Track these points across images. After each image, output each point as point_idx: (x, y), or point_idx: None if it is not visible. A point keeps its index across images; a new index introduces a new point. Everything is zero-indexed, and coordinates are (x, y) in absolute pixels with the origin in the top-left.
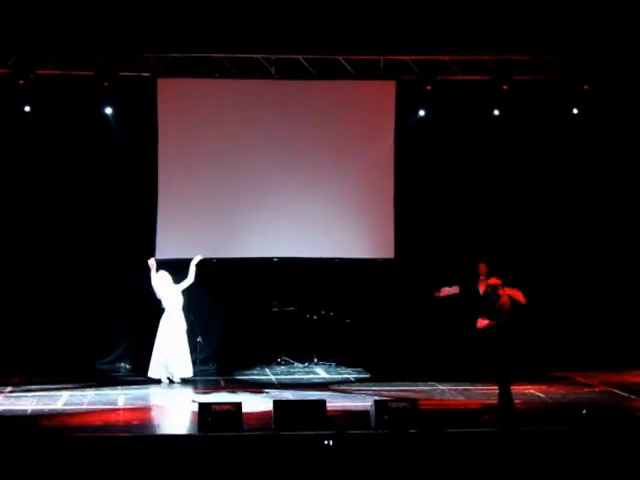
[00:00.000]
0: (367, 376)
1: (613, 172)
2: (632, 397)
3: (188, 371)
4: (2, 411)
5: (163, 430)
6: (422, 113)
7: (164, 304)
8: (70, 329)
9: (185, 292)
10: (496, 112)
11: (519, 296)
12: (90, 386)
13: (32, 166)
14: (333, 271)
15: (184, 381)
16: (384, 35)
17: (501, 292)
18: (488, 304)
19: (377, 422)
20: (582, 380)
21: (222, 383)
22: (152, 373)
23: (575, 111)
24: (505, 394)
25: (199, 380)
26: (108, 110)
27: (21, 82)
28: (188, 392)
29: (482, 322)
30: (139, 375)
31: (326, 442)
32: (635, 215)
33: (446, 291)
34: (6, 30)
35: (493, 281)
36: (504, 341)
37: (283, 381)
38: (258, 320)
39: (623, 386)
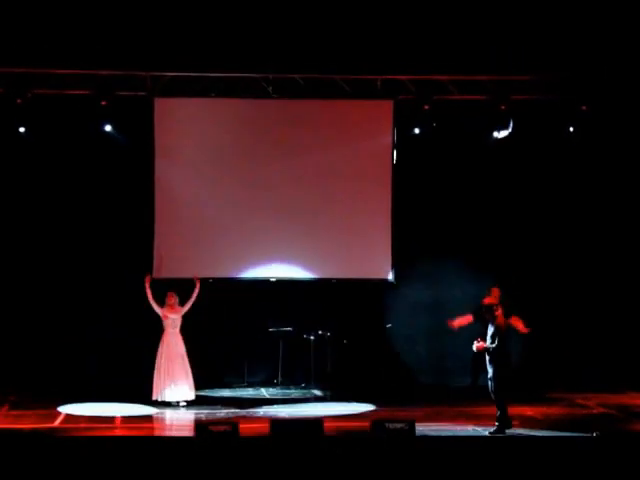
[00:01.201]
0: (364, 399)
1: (611, 191)
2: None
3: (191, 394)
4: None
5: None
6: (419, 132)
7: (165, 324)
8: (67, 347)
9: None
10: (494, 132)
11: (519, 325)
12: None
13: (29, 185)
14: (330, 292)
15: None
16: (381, 55)
17: (497, 312)
18: (484, 324)
19: (375, 442)
20: (581, 402)
21: (221, 410)
22: (157, 396)
23: (572, 130)
24: (503, 415)
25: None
26: (106, 129)
27: (18, 101)
28: (186, 412)
29: (479, 345)
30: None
31: None
32: (634, 234)
33: (459, 321)
34: (3, 49)
35: (489, 300)
36: (498, 362)
37: (279, 402)
38: (255, 340)
39: (622, 408)
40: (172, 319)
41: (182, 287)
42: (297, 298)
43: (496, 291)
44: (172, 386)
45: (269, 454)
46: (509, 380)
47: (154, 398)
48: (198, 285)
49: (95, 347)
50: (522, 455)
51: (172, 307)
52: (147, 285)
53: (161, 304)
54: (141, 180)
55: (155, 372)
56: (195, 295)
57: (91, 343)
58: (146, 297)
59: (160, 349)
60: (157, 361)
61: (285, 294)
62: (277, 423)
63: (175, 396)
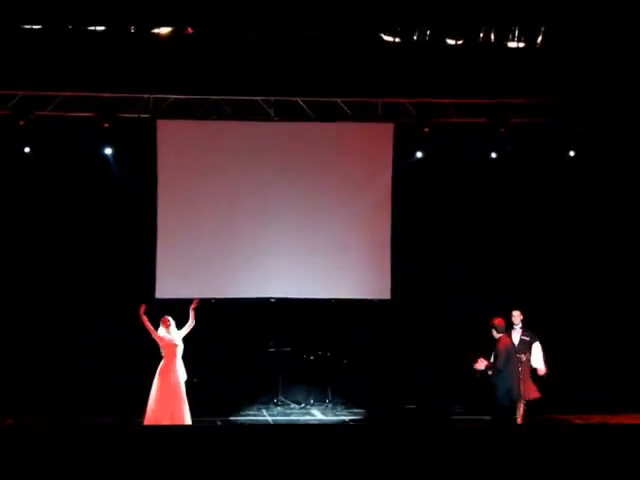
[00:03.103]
0: (363, 417)
1: (609, 214)
2: None
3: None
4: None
5: None
6: (420, 155)
7: (163, 352)
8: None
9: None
10: (493, 155)
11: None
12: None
13: (31, 206)
14: (330, 312)
15: None
16: (382, 78)
17: (495, 334)
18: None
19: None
20: (580, 422)
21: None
22: None
23: (572, 153)
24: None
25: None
26: (108, 151)
27: (21, 123)
28: None
29: (480, 364)
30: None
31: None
32: (632, 257)
33: (482, 364)
34: (7, 72)
35: (497, 322)
36: (498, 383)
37: (280, 422)
38: (255, 360)
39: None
40: (169, 344)
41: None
42: (297, 318)
43: (518, 315)
44: (171, 417)
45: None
46: (510, 403)
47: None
48: (193, 317)
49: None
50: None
51: (168, 331)
52: (142, 314)
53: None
54: (144, 200)
55: (152, 402)
56: (193, 318)
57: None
58: (144, 326)
59: (158, 378)
60: (155, 392)
61: (285, 314)
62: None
63: None
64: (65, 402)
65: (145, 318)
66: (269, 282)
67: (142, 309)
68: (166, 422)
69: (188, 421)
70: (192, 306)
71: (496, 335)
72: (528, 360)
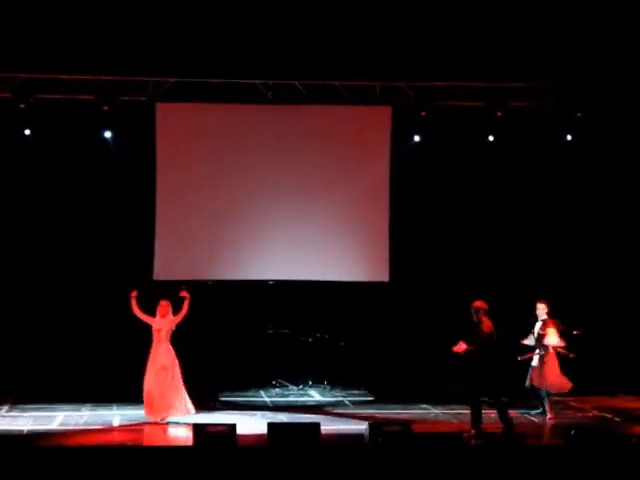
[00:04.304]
0: (361, 399)
1: (606, 197)
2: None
3: (191, 408)
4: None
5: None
6: (417, 138)
7: (157, 339)
8: (67, 342)
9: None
10: (490, 138)
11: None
12: (86, 405)
13: (32, 188)
14: (328, 294)
15: None
16: (381, 61)
17: (482, 317)
18: (469, 327)
19: (371, 445)
20: (576, 405)
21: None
22: (151, 415)
23: (569, 138)
24: (476, 415)
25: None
26: (107, 134)
27: (22, 106)
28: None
29: (460, 347)
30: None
31: None
32: (628, 240)
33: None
34: (7, 54)
35: (478, 304)
36: (479, 366)
37: (277, 403)
38: (253, 342)
39: (616, 411)
40: (159, 329)
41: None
42: (295, 300)
43: (545, 306)
44: (171, 402)
45: (267, 457)
46: (480, 388)
47: (146, 415)
48: (187, 303)
49: (95, 342)
50: (518, 457)
51: (164, 317)
52: (133, 301)
53: (152, 314)
54: (143, 183)
55: (150, 387)
56: (185, 311)
57: (91, 338)
58: (134, 311)
59: (153, 360)
60: (150, 376)
61: (283, 296)
62: (274, 426)
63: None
64: (64, 393)
65: (135, 303)
66: (267, 264)
67: (133, 294)
68: (157, 403)
69: (180, 403)
70: (182, 294)
71: (478, 317)
72: (548, 353)
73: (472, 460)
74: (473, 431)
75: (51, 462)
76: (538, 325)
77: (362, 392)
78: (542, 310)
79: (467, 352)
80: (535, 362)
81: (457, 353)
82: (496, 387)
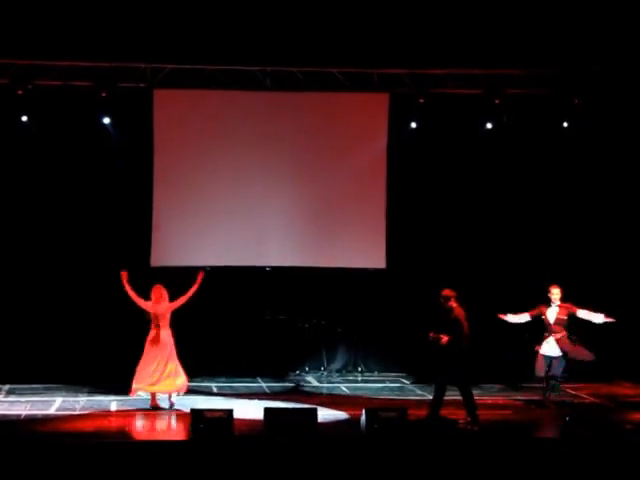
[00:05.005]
0: (358, 385)
1: (603, 184)
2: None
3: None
4: None
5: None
6: (414, 125)
7: (154, 324)
8: (64, 334)
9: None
10: (488, 125)
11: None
12: (83, 391)
13: (29, 175)
14: (325, 280)
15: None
16: (378, 48)
17: (452, 304)
18: (442, 316)
19: (368, 431)
20: (572, 392)
21: (214, 389)
22: (139, 385)
23: (565, 124)
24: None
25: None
26: (105, 120)
27: (19, 92)
28: (179, 399)
29: (443, 339)
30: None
31: None
32: (624, 226)
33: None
34: (6, 41)
35: (447, 292)
36: (460, 353)
37: (274, 389)
38: (250, 328)
39: (612, 397)
40: (155, 315)
41: (176, 278)
42: (292, 286)
43: (558, 291)
44: (167, 381)
45: (263, 442)
46: (456, 377)
47: (137, 393)
48: (200, 281)
49: (93, 327)
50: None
51: (158, 301)
52: (125, 281)
53: (147, 298)
54: (140, 170)
55: (145, 367)
56: (193, 291)
57: (89, 323)
58: (128, 295)
59: (150, 347)
60: (147, 358)
61: (281, 282)
62: (271, 411)
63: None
64: (62, 379)
65: (127, 284)
66: (265, 251)
67: (124, 277)
68: (148, 378)
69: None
70: (198, 280)
71: (450, 305)
72: (565, 337)
73: (467, 446)
74: (470, 418)
75: (48, 447)
76: (554, 310)
77: (360, 378)
78: (557, 295)
79: (448, 341)
80: (549, 350)
81: (435, 343)
82: (467, 375)
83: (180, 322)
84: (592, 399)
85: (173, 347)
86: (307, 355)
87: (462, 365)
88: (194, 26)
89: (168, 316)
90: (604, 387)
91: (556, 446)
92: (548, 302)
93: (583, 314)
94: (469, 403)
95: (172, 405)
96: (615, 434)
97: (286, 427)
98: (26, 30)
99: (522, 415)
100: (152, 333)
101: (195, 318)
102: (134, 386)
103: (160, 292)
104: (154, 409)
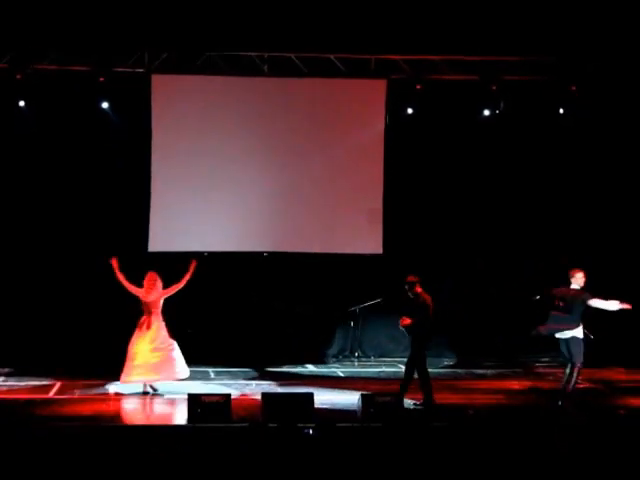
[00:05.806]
0: (354, 370)
1: (599, 171)
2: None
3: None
4: None
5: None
6: (411, 111)
7: (145, 310)
8: (63, 321)
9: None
10: (485, 112)
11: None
12: (81, 376)
13: (27, 160)
14: (323, 266)
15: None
16: (375, 34)
17: (418, 289)
18: (409, 302)
19: (364, 415)
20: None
21: (212, 375)
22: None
23: (561, 111)
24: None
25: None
26: (104, 105)
27: (18, 76)
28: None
29: (404, 321)
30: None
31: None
32: (616, 215)
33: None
34: (3, 25)
35: (411, 279)
36: (427, 336)
37: (272, 374)
38: (247, 314)
39: (606, 383)
40: (147, 302)
41: (172, 264)
42: (290, 272)
43: (581, 275)
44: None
45: (261, 427)
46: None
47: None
48: (192, 269)
49: (90, 313)
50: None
51: (150, 288)
52: (116, 268)
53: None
54: (138, 154)
55: (136, 355)
56: (186, 279)
57: (88, 314)
58: (119, 282)
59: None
60: (137, 346)
61: (278, 268)
62: (268, 396)
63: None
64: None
65: (120, 273)
66: (262, 236)
67: (115, 263)
68: (140, 372)
69: (170, 373)
70: (191, 268)
71: (416, 291)
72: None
73: (466, 430)
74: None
75: (47, 431)
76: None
77: (356, 363)
78: (581, 279)
79: (413, 324)
80: (574, 334)
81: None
82: (424, 357)
83: (177, 308)
84: (586, 384)
85: (167, 336)
86: (304, 341)
87: (421, 347)
88: (192, 12)
89: (160, 303)
90: (598, 372)
91: (550, 431)
92: (568, 285)
93: (595, 302)
94: (425, 384)
95: (155, 390)
96: (609, 419)
97: (283, 412)
98: (24, 14)
99: (516, 400)
100: (142, 319)
101: (192, 304)
102: (123, 378)
103: (153, 279)
104: (144, 394)
